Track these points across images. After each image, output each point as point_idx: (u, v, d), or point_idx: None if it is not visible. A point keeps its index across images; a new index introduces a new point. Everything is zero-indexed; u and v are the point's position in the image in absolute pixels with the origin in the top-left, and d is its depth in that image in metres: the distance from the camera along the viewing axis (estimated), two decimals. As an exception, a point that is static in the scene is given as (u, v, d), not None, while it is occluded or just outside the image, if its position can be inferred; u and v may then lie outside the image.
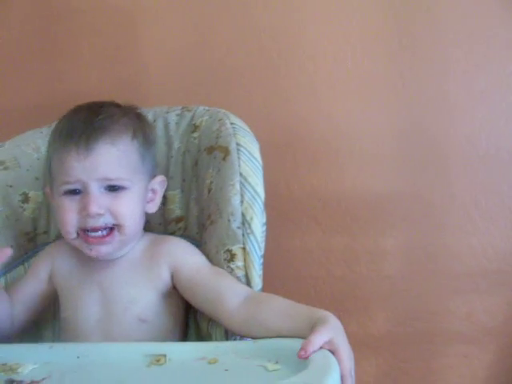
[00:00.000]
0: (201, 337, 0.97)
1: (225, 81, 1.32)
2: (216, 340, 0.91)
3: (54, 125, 1.07)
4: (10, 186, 1.02)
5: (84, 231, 0.89)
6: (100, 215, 0.88)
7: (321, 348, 0.73)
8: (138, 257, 0.95)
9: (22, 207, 1.03)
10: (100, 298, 0.93)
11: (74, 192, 0.89)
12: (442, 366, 1.34)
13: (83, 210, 0.88)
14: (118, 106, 0.95)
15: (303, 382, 0.63)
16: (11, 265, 1.01)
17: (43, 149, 1.06)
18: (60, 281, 0.96)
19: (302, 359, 0.72)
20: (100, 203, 0.87)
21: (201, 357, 0.79)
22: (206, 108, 1.06)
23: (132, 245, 0.95)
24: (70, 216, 0.89)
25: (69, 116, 0.94)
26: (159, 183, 0.97)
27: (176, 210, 1.03)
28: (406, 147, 1.30)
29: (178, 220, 1.02)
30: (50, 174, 0.94)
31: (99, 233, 0.89)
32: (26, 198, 1.03)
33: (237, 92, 1.32)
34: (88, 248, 0.90)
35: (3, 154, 1.04)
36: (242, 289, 0.89)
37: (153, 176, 0.96)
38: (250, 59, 1.31)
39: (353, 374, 0.74)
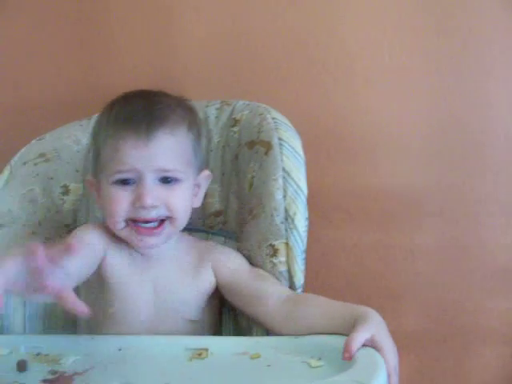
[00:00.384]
0: (239, 332, 0.96)
1: (261, 75, 1.31)
2: (256, 335, 0.91)
3: (93, 117, 1.08)
4: (51, 179, 1.03)
5: (134, 221, 0.87)
6: (154, 207, 0.85)
7: (364, 345, 0.72)
8: (185, 257, 0.94)
9: (63, 199, 1.04)
10: (152, 298, 0.91)
11: (125, 182, 0.86)
12: (475, 364, 1.32)
13: (137, 201, 0.85)
14: (169, 95, 0.93)
15: (353, 380, 0.63)
16: (52, 256, 1.01)
17: (83, 141, 1.06)
18: (111, 272, 0.91)
19: (346, 360, 0.71)
20: (155, 195, 0.85)
21: (242, 351, 0.80)
22: (246, 102, 1.05)
23: (174, 240, 0.93)
24: (120, 206, 0.86)
25: (123, 103, 0.90)
26: (205, 178, 0.95)
27: (215, 203, 1.02)
28: (442, 142, 1.29)
29: (217, 214, 1.02)
30: (96, 163, 0.91)
31: (151, 224, 0.87)
32: (66, 191, 1.04)
33: (272, 85, 1.31)
34: (137, 239, 0.88)
35: (44, 146, 1.05)
36: (283, 290, 0.89)
37: (201, 170, 0.94)
38: (286, 53, 1.30)
39: (397, 370, 0.73)
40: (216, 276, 0.93)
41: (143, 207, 0.85)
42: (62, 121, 1.12)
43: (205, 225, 1.02)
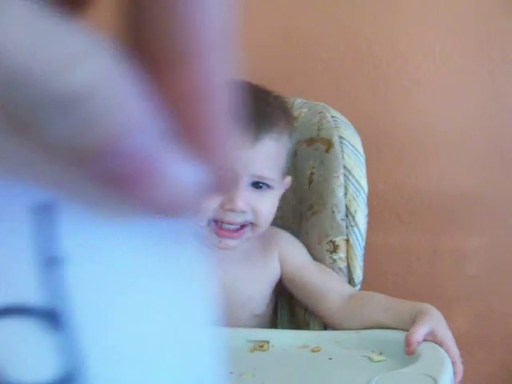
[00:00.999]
0: (296, 325, 0.97)
1: (311, 73, 1.32)
2: (314, 329, 0.92)
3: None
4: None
5: (217, 222, 0.85)
6: (243, 212, 0.83)
7: (424, 340, 0.73)
8: (252, 248, 0.92)
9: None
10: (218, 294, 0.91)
11: None
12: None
13: (227, 204, 0.82)
14: (272, 94, 0.89)
15: (421, 373, 0.63)
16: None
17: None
18: None
19: (409, 354, 0.72)
20: (246, 200, 0.82)
21: (303, 345, 0.80)
22: (304, 100, 1.06)
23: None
24: (209, 206, 0.82)
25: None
26: (285, 184, 0.92)
27: (273, 199, 1.03)
28: (493, 144, 1.28)
29: (274, 210, 1.03)
30: None
31: (232, 226, 0.85)
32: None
33: (324, 86, 1.32)
34: (217, 239, 0.85)
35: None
36: (346, 288, 0.89)
37: (284, 176, 0.91)
38: (338, 54, 1.31)
39: (460, 360, 0.74)
40: (282, 268, 0.93)
41: (233, 210, 0.82)
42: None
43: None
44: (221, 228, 0.85)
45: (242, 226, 0.86)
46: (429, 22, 1.28)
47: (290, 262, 0.92)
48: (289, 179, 0.93)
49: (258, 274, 0.92)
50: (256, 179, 0.84)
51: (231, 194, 0.82)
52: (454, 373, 0.71)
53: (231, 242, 0.87)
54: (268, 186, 0.85)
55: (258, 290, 0.92)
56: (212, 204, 0.83)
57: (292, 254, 0.92)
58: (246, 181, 0.83)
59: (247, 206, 0.83)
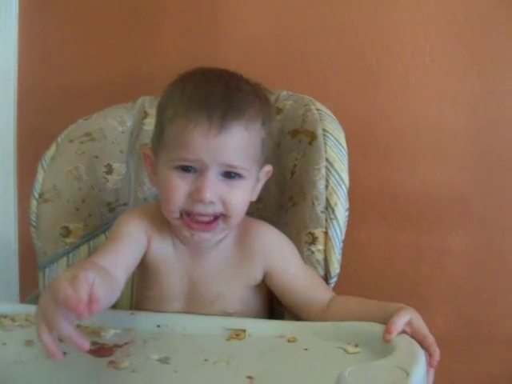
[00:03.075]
0: (271, 315, 0.97)
1: (302, 70, 1.32)
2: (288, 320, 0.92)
3: (138, 101, 1.10)
4: (96, 157, 1.05)
5: (188, 215, 0.83)
6: (212, 203, 0.81)
7: (402, 331, 0.74)
8: (230, 248, 0.90)
9: (106, 178, 1.06)
10: (187, 290, 0.90)
11: (186, 169, 0.81)
12: (502, 371, 1.32)
13: (195, 194, 0.80)
14: (250, 83, 0.86)
15: (395, 366, 0.63)
16: (94, 233, 1.04)
17: (128, 123, 1.08)
18: (153, 258, 0.89)
19: (384, 343, 0.73)
20: (215, 190, 0.80)
21: (279, 334, 0.81)
22: (290, 93, 1.06)
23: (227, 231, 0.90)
24: (177, 196, 0.81)
25: (199, 80, 0.83)
26: (265, 172, 0.90)
27: (255, 190, 1.02)
28: (478, 146, 1.28)
29: (257, 201, 1.01)
30: (158, 140, 0.84)
31: (204, 218, 0.82)
32: (109, 170, 1.06)
33: (313, 82, 1.32)
34: (189, 232, 0.84)
35: (90, 125, 1.07)
36: (327, 294, 0.89)
37: (263, 165, 0.88)
38: (328, 50, 1.31)
39: (437, 350, 0.75)
40: (266, 278, 0.90)
41: (201, 201, 0.80)
42: (107, 103, 1.14)
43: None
44: (192, 220, 0.83)
45: (215, 218, 0.83)
46: (420, 22, 1.28)
47: (280, 273, 0.89)
48: (269, 168, 0.90)
49: (230, 274, 0.90)
50: (226, 169, 0.81)
51: (199, 184, 0.80)
52: (431, 355, 0.73)
53: (204, 235, 0.85)
54: (239, 175, 0.82)
55: (230, 290, 0.89)
56: (181, 195, 0.81)
57: (281, 264, 0.90)
58: (215, 171, 0.80)
59: (216, 197, 0.80)
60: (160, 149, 0.84)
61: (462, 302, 1.32)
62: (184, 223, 0.83)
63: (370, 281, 1.34)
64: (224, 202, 0.82)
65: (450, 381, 1.34)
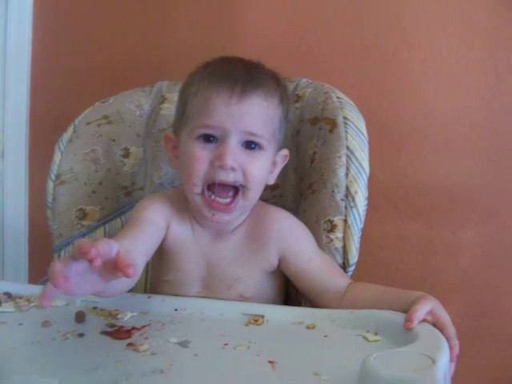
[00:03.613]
0: (287, 303, 0.97)
1: (318, 60, 1.32)
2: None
3: (156, 85, 1.09)
4: (113, 140, 1.05)
5: (209, 191, 0.84)
6: (233, 170, 0.83)
7: (424, 320, 0.74)
8: (247, 233, 0.91)
9: (123, 162, 1.05)
10: (204, 274, 0.90)
11: (208, 139, 0.84)
12: (508, 365, 1.32)
13: (217, 161, 0.82)
14: (267, 68, 0.91)
15: (420, 353, 0.63)
16: (110, 216, 1.03)
17: (146, 107, 1.08)
18: (172, 243, 0.91)
19: (404, 331, 0.72)
20: (236, 157, 0.82)
21: (298, 321, 0.80)
22: (310, 81, 1.06)
23: (245, 215, 0.91)
24: (200, 166, 0.83)
25: (220, 62, 0.88)
26: (282, 157, 0.92)
27: (273, 177, 1.02)
28: (493, 141, 1.28)
29: (274, 187, 1.02)
30: (181, 117, 0.88)
31: (226, 200, 0.84)
32: (126, 153, 1.05)
33: (329, 72, 1.32)
34: (210, 212, 0.85)
35: (108, 108, 1.06)
36: (344, 281, 0.89)
37: (279, 148, 0.91)
38: (345, 40, 1.31)
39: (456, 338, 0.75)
40: (282, 264, 0.91)
41: (223, 167, 0.82)
42: (124, 86, 1.13)
43: (260, 198, 1.02)
44: (213, 200, 0.84)
45: (234, 196, 0.85)
46: (437, 15, 1.28)
47: (295, 258, 0.90)
48: (286, 152, 0.92)
49: (246, 258, 0.90)
50: (246, 137, 0.83)
51: (221, 151, 0.82)
52: (450, 348, 0.71)
53: (224, 216, 0.86)
54: (259, 146, 0.85)
55: (247, 274, 0.90)
56: (203, 164, 0.83)
57: (297, 248, 0.90)
58: (236, 139, 0.83)
59: (237, 164, 0.83)
60: (182, 124, 0.87)
61: (471, 295, 1.32)
62: (205, 201, 0.85)
63: (381, 271, 1.34)
64: (244, 171, 0.84)
65: (457, 373, 1.33)
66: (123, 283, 0.72)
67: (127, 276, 0.60)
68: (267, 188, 1.02)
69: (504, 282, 1.30)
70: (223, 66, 0.86)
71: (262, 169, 0.86)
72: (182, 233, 0.91)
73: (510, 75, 1.27)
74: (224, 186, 0.84)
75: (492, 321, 1.31)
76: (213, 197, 0.84)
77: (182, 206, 0.91)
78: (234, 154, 0.82)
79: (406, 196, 1.32)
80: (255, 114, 0.83)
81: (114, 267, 0.61)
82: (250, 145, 0.84)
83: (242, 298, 0.90)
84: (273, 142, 0.87)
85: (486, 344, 1.33)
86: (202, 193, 0.85)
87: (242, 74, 0.84)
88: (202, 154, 0.83)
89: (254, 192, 0.86)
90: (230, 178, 0.83)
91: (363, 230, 1.31)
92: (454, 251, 1.32)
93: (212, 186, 0.84)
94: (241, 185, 0.85)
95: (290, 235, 0.91)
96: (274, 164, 0.91)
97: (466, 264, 1.31)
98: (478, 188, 1.29)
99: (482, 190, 1.29)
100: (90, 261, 0.59)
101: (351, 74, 1.31)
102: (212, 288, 0.90)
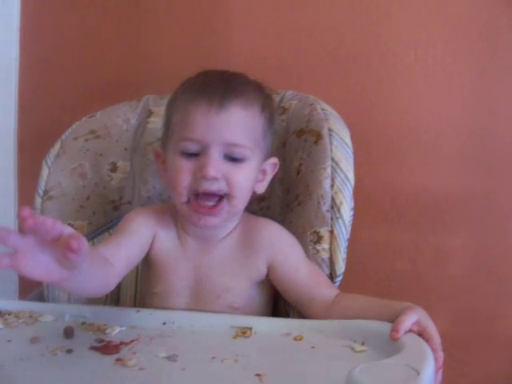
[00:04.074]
0: (276, 314, 0.97)
1: (305, 71, 1.32)
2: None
3: (143, 99, 1.10)
4: (100, 155, 1.05)
5: (196, 197, 0.86)
6: (216, 179, 0.84)
7: (410, 330, 0.75)
8: (235, 242, 0.92)
9: (110, 176, 1.06)
10: (193, 284, 0.91)
11: (191, 153, 0.85)
12: (502, 371, 1.32)
13: (199, 171, 0.84)
14: (248, 77, 0.92)
15: (404, 364, 0.64)
16: (97, 231, 1.04)
17: (132, 121, 1.08)
18: (159, 255, 0.92)
19: (391, 342, 0.73)
20: (218, 167, 0.84)
21: (286, 332, 0.81)
22: (295, 93, 1.07)
23: (233, 224, 0.92)
24: (184, 177, 0.85)
25: (201, 74, 0.89)
26: (271, 165, 0.93)
27: (260, 189, 1.02)
28: (480, 147, 1.29)
29: (261, 199, 1.03)
30: (166, 131, 0.90)
31: (210, 203, 0.86)
32: (114, 168, 1.06)
33: (315, 82, 1.32)
34: (197, 216, 0.87)
35: (95, 123, 1.07)
36: (332, 291, 0.90)
37: (267, 157, 0.92)
38: (330, 50, 1.32)
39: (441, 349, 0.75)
40: (270, 273, 0.91)
41: (205, 177, 0.83)
42: (111, 101, 1.14)
43: (248, 209, 1.02)
44: (199, 205, 0.86)
45: (219, 201, 0.86)
46: (422, 23, 1.29)
47: (283, 265, 0.91)
48: (275, 160, 0.93)
49: (235, 267, 0.91)
50: (228, 148, 0.85)
51: (203, 161, 0.83)
52: (435, 359, 0.72)
53: (211, 220, 0.87)
54: (242, 156, 0.86)
55: (235, 283, 0.91)
56: (187, 175, 0.85)
57: (285, 257, 0.91)
58: (217, 150, 0.84)
59: (219, 173, 0.84)
60: (168, 139, 0.89)
61: (461, 301, 1.32)
62: (191, 207, 0.86)
63: (370, 280, 1.35)
64: (228, 180, 0.85)
65: (449, 381, 1.34)
66: (94, 280, 0.73)
67: (70, 248, 0.57)
68: (254, 200, 1.03)
69: (493, 288, 1.31)
70: (202, 79, 0.88)
71: (246, 177, 0.87)
72: (168, 243, 0.92)
73: (495, 82, 1.28)
74: (209, 194, 0.85)
75: (483, 326, 1.32)
76: (198, 201, 0.86)
77: (169, 217, 0.92)
78: (215, 164, 0.84)
79: (394, 204, 1.32)
80: (235, 125, 0.85)
81: (62, 246, 0.58)
82: (233, 155, 0.85)
83: (231, 309, 0.90)
84: (257, 150, 0.88)
85: (477, 351, 1.33)
86: (188, 201, 0.86)
87: (220, 85, 0.86)
88: (185, 166, 0.85)
89: (240, 199, 0.87)
90: (213, 187, 0.85)
91: (352, 239, 1.33)
92: (442, 258, 1.32)
93: (197, 195, 0.85)
94: (225, 193, 0.86)
95: (278, 244, 0.91)
96: (264, 172, 0.92)
97: (455, 270, 1.32)
98: (464, 195, 1.30)
99: (469, 196, 1.30)
100: (23, 220, 0.56)
101: (337, 85, 1.32)
102: (201, 298, 0.90)
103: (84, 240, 0.59)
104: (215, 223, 0.88)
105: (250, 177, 0.88)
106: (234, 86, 0.86)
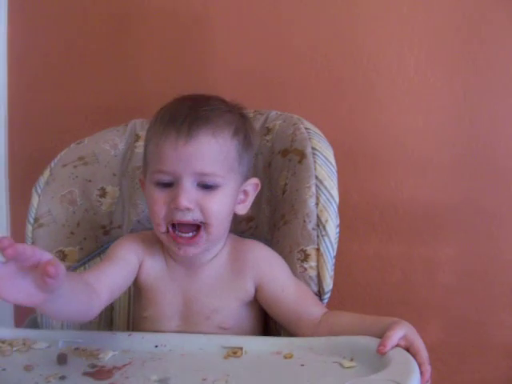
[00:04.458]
0: (267, 333, 0.98)
1: (289, 89, 1.35)
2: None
3: (130, 124, 1.12)
4: (89, 181, 1.06)
5: (173, 228, 0.86)
6: (189, 210, 0.84)
7: (397, 345, 0.76)
8: (222, 264, 0.93)
9: (100, 201, 1.07)
10: (182, 307, 0.92)
11: (165, 184, 0.86)
12: (495, 379, 1.33)
13: (172, 203, 0.84)
14: (224, 101, 0.92)
15: (389, 380, 0.65)
16: (89, 256, 1.05)
17: (120, 146, 1.10)
18: (147, 280, 0.93)
19: (379, 357, 0.74)
20: (190, 197, 0.84)
21: (276, 351, 0.82)
22: (279, 112, 1.08)
23: (218, 247, 0.93)
24: (159, 208, 0.86)
25: (173, 103, 0.90)
26: (252, 185, 0.93)
27: (247, 209, 1.04)
28: (465, 159, 1.31)
29: (249, 219, 1.04)
30: (145, 161, 0.92)
31: (188, 234, 0.86)
32: (103, 193, 1.07)
33: (300, 100, 1.34)
34: (176, 246, 0.88)
35: (83, 150, 1.08)
36: (319, 309, 0.90)
37: (247, 178, 0.92)
38: (314, 69, 1.34)
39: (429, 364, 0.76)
40: (258, 293, 0.92)
41: (178, 208, 0.84)
42: (99, 126, 1.15)
43: (236, 230, 1.04)
44: (177, 235, 0.87)
45: (197, 230, 0.87)
46: (404, 36, 1.31)
47: (270, 286, 0.91)
48: (256, 180, 0.94)
49: (224, 289, 0.92)
50: (200, 178, 0.85)
51: (175, 192, 0.85)
52: (421, 373, 0.73)
53: (191, 249, 0.88)
54: (215, 184, 0.86)
55: (224, 304, 0.92)
56: (161, 206, 0.86)
57: (272, 277, 0.92)
58: (189, 180, 0.85)
59: (192, 203, 0.84)
60: (145, 169, 0.91)
61: (452, 311, 1.34)
62: (170, 237, 0.88)
63: (362, 293, 1.36)
64: (202, 209, 0.85)
65: (445, 389, 1.36)
66: (75, 305, 0.74)
67: (47, 274, 0.60)
68: (243, 220, 1.05)
69: (484, 296, 1.32)
70: (172, 109, 0.88)
71: (221, 204, 0.87)
72: (156, 268, 0.93)
73: (477, 93, 1.30)
74: (184, 224, 0.86)
75: (475, 335, 1.33)
76: (176, 232, 0.87)
77: (156, 243, 0.94)
78: (188, 194, 0.84)
79: (383, 216, 1.34)
80: (204, 154, 0.85)
81: (40, 272, 0.61)
82: (205, 183, 0.86)
83: (221, 329, 0.91)
84: (232, 174, 0.88)
85: (471, 358, 1.34)
86: (167, 231, 0.88)
87: (188, 113, 0.85)
88: (160, 197, 0.86)
89: (217, 226, 0.88)
90: (187, 217, 0.86)
91: (342, 252, 1.34)
92: (433, 267, 1.34)
93: (174, 226, 0.87)
94: (201, 222, 0.87)
95: (265, 264, 0.92)
96: (245, 193, 0.93)
97: (446, 280, 1.34)
98: (453, 204, 1.32)
99: (458, 206, 1.32)
100: (3, 249, 0.58)
101: (322, 100, 1.34)
102: (190, 320, 0.91)
103: (61, 266, 0.62)
104: (195, 253, 0.89)
105: (225, 202, 0.88)
106: (203, 113, 0.86)
